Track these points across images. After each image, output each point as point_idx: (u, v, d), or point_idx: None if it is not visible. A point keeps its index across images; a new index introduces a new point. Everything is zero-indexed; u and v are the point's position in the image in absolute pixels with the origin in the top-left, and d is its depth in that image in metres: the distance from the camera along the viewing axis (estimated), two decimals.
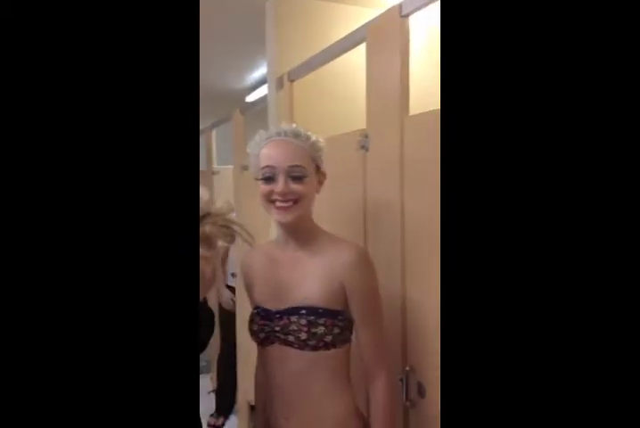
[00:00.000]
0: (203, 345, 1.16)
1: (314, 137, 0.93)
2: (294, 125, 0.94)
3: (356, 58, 1.32)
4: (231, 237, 0.70)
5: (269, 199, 0.91)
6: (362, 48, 1.21)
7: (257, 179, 0.93)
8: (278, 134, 0.92)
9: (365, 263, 0.92)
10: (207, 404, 2.63)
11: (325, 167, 0.96)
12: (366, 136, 1.16)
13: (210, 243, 0.67)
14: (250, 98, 3.65)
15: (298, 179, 0.89)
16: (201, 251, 0.64)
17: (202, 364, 3.28)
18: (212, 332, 1.17)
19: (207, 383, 2.96)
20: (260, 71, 3.43)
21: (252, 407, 2.23)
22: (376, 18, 1.14)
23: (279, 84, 1.65)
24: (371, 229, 1.18)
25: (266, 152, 0.92)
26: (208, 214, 0.67)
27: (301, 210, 0.91)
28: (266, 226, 1.82)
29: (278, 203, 0.90)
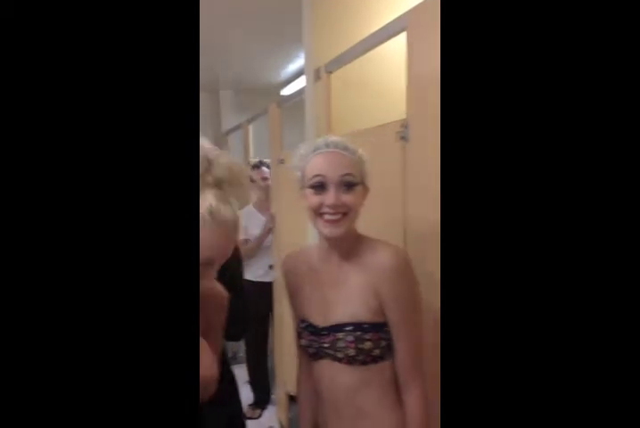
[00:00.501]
0: (239, 333, 1.18)
1: (360, 150, 0.91)
2: (340, 138, 0.92)
3: (395, 47, 1.30)
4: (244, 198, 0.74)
5: (318, 212, 0.88)
6: (401, 37, 1.19)
7: (303, 188, 0.90)
8: (327, 145, 0.90)
9: (399, 269, 0.87)
10: (246, 394, 2.68)
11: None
12: (406, 127, 1.14)
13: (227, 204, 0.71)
14: (286, 91, 3.66)
15: (349, 187, 0.87)
16: (225, 211, 0.68)
17: (240, 354, 3.34)
18: (249, 322, 1.18)
19: (245, 373, 3.02)
20: (295, 65, 3.43)
21: (291, 398, 2.26)
22: (417, 5, 1.11)
23: (316, 76, 1.64)
24: (411, 223, 1.17)
25: (315, 163, 0.89)
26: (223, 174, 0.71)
27: (350, 223, 0.89)
28: (305, 218, 1.83)
29: (327, 216, 0.86)
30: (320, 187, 0.87)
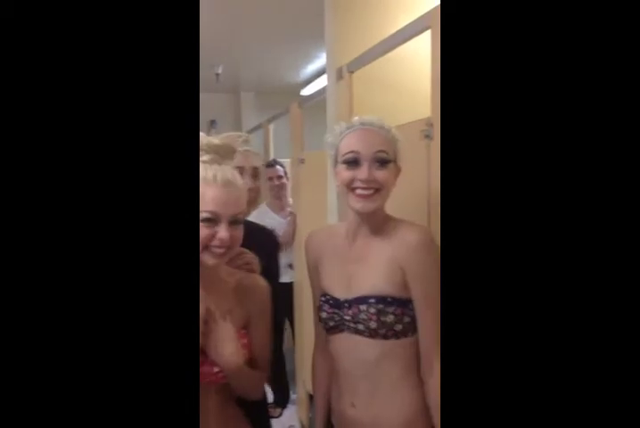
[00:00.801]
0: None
1: (393, 129, 0.92)
2: (374, 116, 0.93)
3: (417, 46, 1.29)
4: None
5: (350, 186, 0.89)
6: (423, 35, 1.18)
7: (336, 165, 0.92)
8: (362, 124, 0.91)
9: (425, 246, 0.87)
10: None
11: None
12: (431, 125, 1.14)
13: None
14: (306, 91, 3.68)
15: (382, 164, 0.88)
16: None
17: None
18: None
19: None
20: (314, 65, 3.44)
21: (311, 397, 2.26)
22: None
23: (338, 75, 1.64)
24: (436, 223, 1.16)
25: (349, 139, 0.91)
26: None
27: (381, 200, 0.90)
28: (323, 217, 1.83)
29: (359, 191, 0.88)
30: (353, 163, 0.88)
